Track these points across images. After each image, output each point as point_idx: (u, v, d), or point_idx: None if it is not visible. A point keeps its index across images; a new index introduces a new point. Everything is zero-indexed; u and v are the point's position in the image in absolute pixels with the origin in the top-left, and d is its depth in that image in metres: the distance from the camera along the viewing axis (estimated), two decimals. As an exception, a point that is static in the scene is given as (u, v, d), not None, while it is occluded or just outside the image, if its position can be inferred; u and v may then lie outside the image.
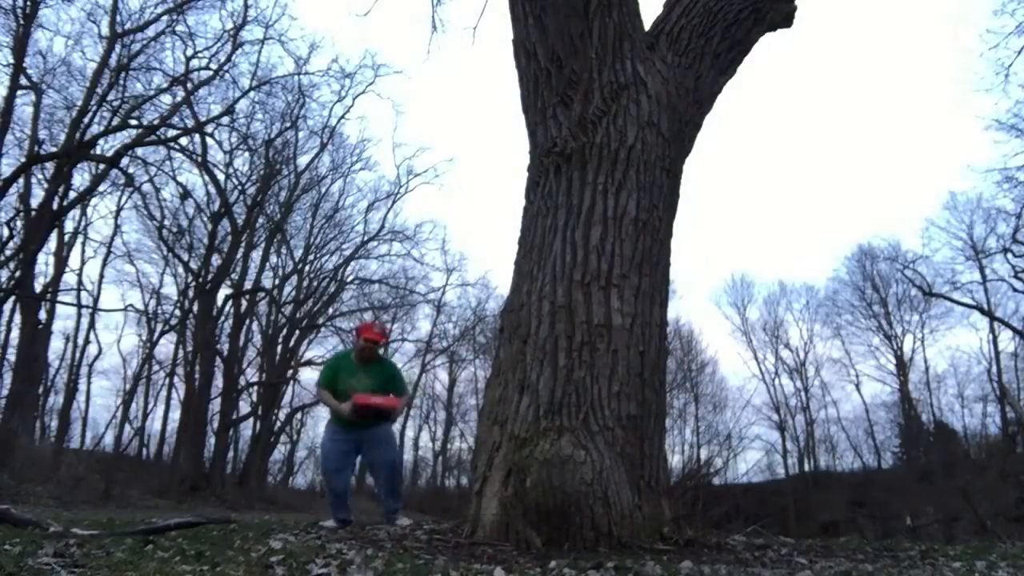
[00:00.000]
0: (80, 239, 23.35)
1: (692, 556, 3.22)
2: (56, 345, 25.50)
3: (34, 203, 17.50)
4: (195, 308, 23.69)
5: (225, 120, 20.73)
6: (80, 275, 23.32)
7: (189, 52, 19.41)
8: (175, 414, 25.45)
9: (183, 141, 19.41)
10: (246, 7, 19.91)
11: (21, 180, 17.06)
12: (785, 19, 5.09)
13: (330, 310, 28.99)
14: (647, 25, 4.88)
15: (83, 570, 2.14)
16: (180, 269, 24.88)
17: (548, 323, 3.94)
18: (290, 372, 28.33)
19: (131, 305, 25.36)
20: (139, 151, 18.58)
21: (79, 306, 23.94)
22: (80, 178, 18.90)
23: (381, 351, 5.65)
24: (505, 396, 3.94)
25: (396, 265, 30.57)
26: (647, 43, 4.70)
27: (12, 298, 17.35)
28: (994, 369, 28.98)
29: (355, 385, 5.25)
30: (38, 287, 19.10)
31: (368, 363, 5.38)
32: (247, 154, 23.88)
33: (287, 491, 30.28)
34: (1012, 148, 31.21)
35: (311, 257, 28.57)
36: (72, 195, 18.20)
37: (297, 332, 27.82)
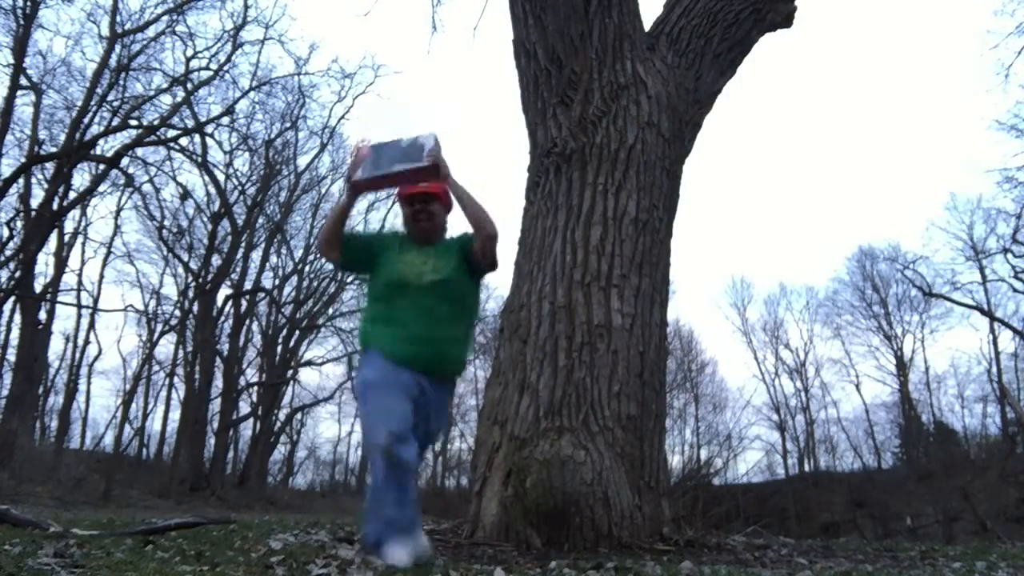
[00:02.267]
0: (80, 239, 23.29)
1: (692, 556, 3.22)
2: (56, 345, 25.63)
3: (34, 203, 17.50)
4: (195, 308, 23.69)
5: (225, 120, 20.76)
6: (80, 275, 23.27)
7: (189, 52, 19.46)
8: (175, 414, 25.46)
9: (183, 141, 19.42)
10: (246, 7, 19.92)
11: (21, 180, 17.06)
12: (785, 19, 5.09)
13: (330, 310, 28.98)
14: (647, 25, 4.88)
15: (83, 570, 2.14)
16: (180, 269, 24.88)
17: (548, 323, 3.94)
18: (290, 372, 28.34)
19: (131, 305, 25.31)
20: (139, 151, 18.57)
21: (79, 306, 23.93)
22: (80, 178, 18.92)
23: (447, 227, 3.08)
24: (505, 396, 3.94)
25: (396, 265, 30.41)
26: (647, 43, 4.71)
27: (12, 298, 17.34)
28: (994, 369, 28.95)
29: (406, 268, 2.86)
30: (38, 287, 19.09)
31: (428, 243, 2.96)
32: (247, 154, 23.93)
33: (287, 491, 30.28)
34: (1012, 148, 31.32)
35: (311, 257, 28.53)
36: (72, 195, 18.19)
37: (297, 332, 27.83)
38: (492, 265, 2.90)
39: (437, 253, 2.90)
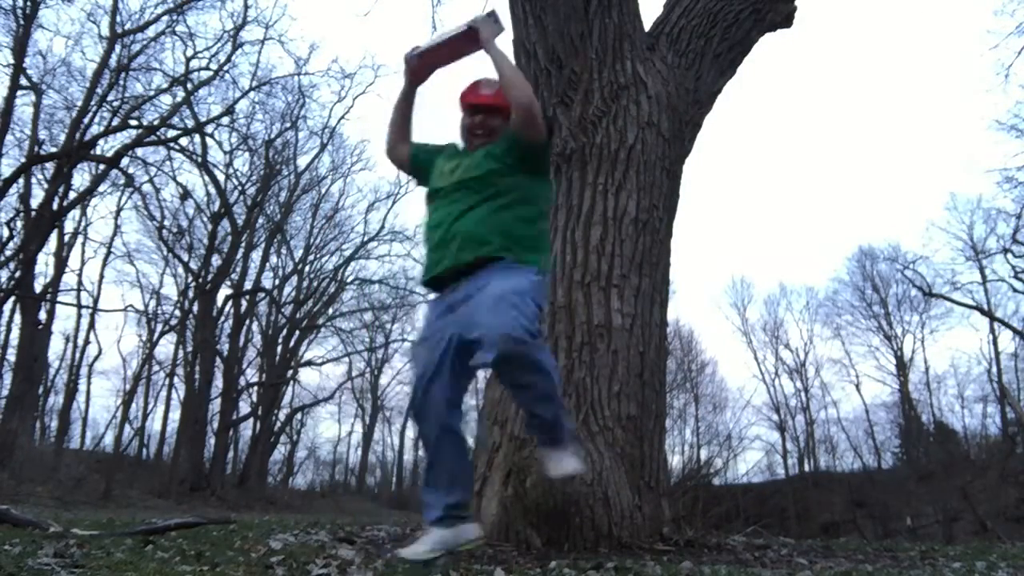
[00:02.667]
0: (80, 239, 23.28)
1: (692, 556, 3.22)
2: (56, 345, 25.53)
3: (34, 203, 17.51)
4: (195, 308, 23.70)
5: (225, 120, 20.80)
6: (80, 275, 23.26)
7: (189, 52, 19.47)
8: (175, 414, 25.47)
9: (183, 141, 19.44)
10: (246, 7, 19.94)
11: (21, 180, 17.07)
12: (785, 19, 5.09)
13: (330, 310, 29.04)
14: (647, 26, 4.88)
15: (83, 570, 2.14)
16: (180, 269, 24.89)
17: (548, 323, 3.94)
18: (290, 372, 28.36)
19: (131, 305, 25.34)
20: (139, 151, 18.58)
21: (79, 306, 23.93)
22: (80, 178, 18.93)
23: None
24: (505, 396, 3.94)
25: (396, 265, 30.65)
26: (647, 43, 4.71)
27: (12, 298, 17.35)
28: (994, 369, 28.96)
29: (442, 175, 2.68)
30: (38, 287, 19.09)
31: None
32: (247, 154, 23.94)
33: (287, 491, 30.29)
34: (1012, 148, 31.35)
35: (311, 257, 28.61)
36: (72, 195, 18.21)
37: (297, 332, 27.84)
38: (535, 131, 2.54)
39: (482, 151, 2.63)
